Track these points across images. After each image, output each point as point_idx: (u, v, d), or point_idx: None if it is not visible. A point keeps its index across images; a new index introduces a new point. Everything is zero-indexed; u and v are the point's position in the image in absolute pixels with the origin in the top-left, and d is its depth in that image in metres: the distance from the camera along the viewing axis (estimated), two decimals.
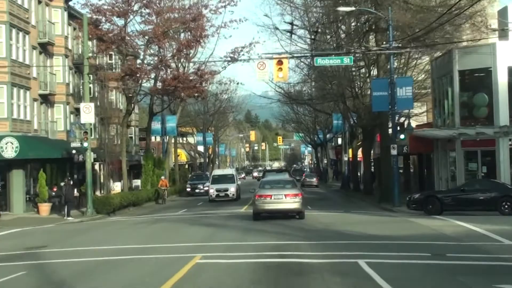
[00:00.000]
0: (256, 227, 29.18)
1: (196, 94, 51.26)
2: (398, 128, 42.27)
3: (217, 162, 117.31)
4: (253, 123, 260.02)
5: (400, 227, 27.88)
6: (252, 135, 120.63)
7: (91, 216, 41.54)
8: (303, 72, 66.11)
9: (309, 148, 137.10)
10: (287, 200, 30.53)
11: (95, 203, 42.71)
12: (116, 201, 44.14)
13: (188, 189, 66.11)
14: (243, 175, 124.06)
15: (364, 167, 56.22)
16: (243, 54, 58.73)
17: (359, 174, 67.04)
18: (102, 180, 60.97)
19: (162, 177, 56.31)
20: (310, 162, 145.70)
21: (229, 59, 59.34)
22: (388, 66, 43.36)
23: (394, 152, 41.56)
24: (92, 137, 58.91)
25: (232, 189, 52.73)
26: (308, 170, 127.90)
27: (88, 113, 41.77)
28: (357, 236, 24.94)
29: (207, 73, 53.45)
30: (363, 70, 54.97)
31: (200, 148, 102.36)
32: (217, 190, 52.96)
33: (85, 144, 41.87)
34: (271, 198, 30.59)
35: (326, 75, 58.12)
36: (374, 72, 50.76)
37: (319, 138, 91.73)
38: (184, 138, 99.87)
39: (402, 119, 48.68)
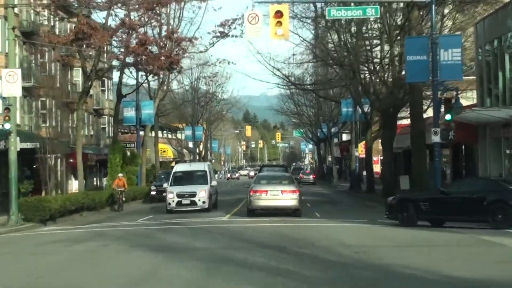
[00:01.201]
0: (236, 256, 16.62)
1: (171, 66, 38.28)
2: (443, 105, 29.59)
3: (210, 160, 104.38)
4: (252, 123, 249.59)
5: (488, 256, 15.33)
6: (248, 130, 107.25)
7: (15, 225, 29.15)
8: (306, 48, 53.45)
9: (310, 146, 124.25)
10: (283, 196, 28.60)
11: (22, 208, 30.06)
12: (54, 205, 31.40)
13: (153, 193, 46.40)
14: (237, 175, 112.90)
15: (384, 162, 43.30)
16: (234, 28, 46.74)
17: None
18: (59, 178, 48.27)
19: (120, 175, 40.46)
20: (310, 161, 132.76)
21: (218, 34, 47.71)
22: (425, 23, 30.74)
23: (436, 138, 28.97)
24: (47, 124, 46.47)
25: (202, 193, 33.66)
26: (309, 169, 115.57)
27: (13, 83, 29.35)
28: (429, 281, 12.30)
29: (185, 39, 40.79)
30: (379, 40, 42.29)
31: (191, 145, 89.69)
32: (179, 195, 33.68)
33: (7, 126, 29.25)
34: (266, 194, 28.64)
35: (336, 52, 45.67)
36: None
37: (323, 132, 78.71)
38: (173, 134, 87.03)
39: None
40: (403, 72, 37.43)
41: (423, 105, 35.38)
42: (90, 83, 40.23)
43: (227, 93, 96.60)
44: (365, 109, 51.01)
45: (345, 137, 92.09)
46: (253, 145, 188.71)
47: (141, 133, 55.06)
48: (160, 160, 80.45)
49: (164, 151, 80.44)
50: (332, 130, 77.43)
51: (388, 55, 40.03)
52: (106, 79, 61.38)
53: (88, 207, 37.16)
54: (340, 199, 47.05)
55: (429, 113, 38.15)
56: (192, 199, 33.80)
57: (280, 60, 49.89)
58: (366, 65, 42.80)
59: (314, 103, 78.99)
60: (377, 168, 68.58)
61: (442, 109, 29.71)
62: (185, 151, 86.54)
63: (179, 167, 38.62)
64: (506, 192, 22.12)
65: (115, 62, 45.21)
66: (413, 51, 29.56)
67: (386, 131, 42.63)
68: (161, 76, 42.94)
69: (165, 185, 37.91)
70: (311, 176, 78.73)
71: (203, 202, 33.87)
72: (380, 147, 70.37)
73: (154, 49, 40.87)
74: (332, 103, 75.75)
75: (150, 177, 60.56)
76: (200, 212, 33.10)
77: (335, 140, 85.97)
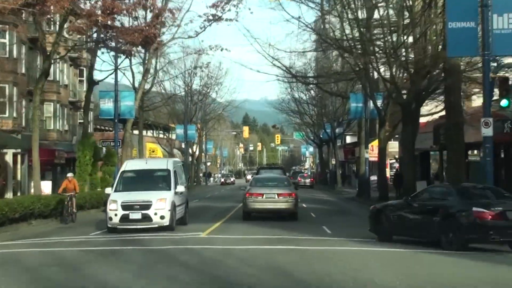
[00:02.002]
0: None
1: (146, 42, 30.36)
2: (496, 88, 21.91)
3: (204, 162, 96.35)
4: (251, 126, 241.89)
5: None
6: (246, 131, 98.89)
7: None
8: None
9: (311, 149, 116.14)
10: (279, 199, 27.15)
11: None
12: None
13: None
14: (232, 179, 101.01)
15: (404, 164, 35.40)
16: (228, 10, 39.63)
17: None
18: (20, 178, 40.45)
19: (69, 175, 29.56)
20: (311, 165, 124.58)
21: (210, 17, 40.36)
22: None
23: (487, 131, 21.29)
24: (7, 115, 38.71)
25: (160, 203, 22.93)
26: (309, 173, 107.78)
27: None
28: None
29: (165, 10, 32.94)
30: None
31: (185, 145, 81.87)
32: (126, 206, 22.90)
33: None
34: (262, 197, 27.26)
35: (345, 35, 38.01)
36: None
37: (326, 133, 70.73)
38: (165, 134, 79.07)
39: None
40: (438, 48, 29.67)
41: (461, 90, 27.59)
42: (49, 63, 32.32)
43: (223, 90, 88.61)
44: (382, 103, 43.19)
45: (349, 139, 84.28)
46: (251, 148, 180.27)
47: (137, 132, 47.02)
48: None
49: (153, 151, 72.72)
50: (337, 130, 69.51)
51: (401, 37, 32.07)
52: (85, 68, 53.50)
53: (42, 214, 29.30)
54: (348, 208, 39.25)
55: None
56: (144, 212, 22.54)
57: (281, 48, 41.90)
58: (382, 47, 34.91)
59: (317, 100, 71.12)
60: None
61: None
62: (176, 151, 78.69)
63: (130, 165, 26.04)
64: (461, 205, 17.14)
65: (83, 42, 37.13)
66: (456, 16, 21.93)
67: (406, 128, 34.76)
68: (134, 52, 34.89)
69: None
70: (308, 180, 77.90)
71: (162, 217, 22.59)
72: (390, 149, 62.50)
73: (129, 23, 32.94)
74: (337, 100, 67.96)
75: None
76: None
77: (338, 143, 78.01)
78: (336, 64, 52.03)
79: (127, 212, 22.77)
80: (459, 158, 26.22)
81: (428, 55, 30.91)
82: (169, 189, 23.81)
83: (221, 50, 45.88)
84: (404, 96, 35.46)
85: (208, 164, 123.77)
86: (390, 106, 43.05)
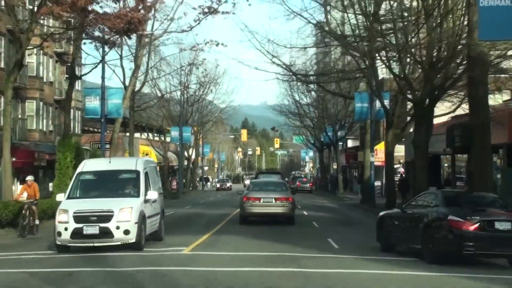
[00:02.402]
0: None
1: (128, 29, 26.62)
2: None
3: (201, 167, 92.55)
4: (251, 131, 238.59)
5: None
6: (244, 134, 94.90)
7: None
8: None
9: (311, 153, 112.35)
10: (276, 204, 26.82)
11: None
12: None
13: None
14: (228, 184, 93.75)
15: (417, 168, 31.53)
16: (225, 1, 36.20)
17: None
18: None
19: (29, 179, 24.44)
20: (311, 170, 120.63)
21: (205, 10, 37.03)
22: None
23: None
24: None
25: (124, 215, 17.62)
26: (309, 178, 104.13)
27: None
28: None
29: None
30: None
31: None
32: (79, 218, 17.54)
33: None
34: (260, 201, 26.92)
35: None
36: None
37: (328, 136, 66.92)
38: (160, 136, 75.25)
39: None
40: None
41: (487, 86, 23.89)
42: (22, 53, 28.60)
43: (221, 92, 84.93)
44: (389, 102, 39.63)
45: (350, 143, 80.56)
46: (250, 152, 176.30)
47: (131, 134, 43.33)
48: None
49: (146, 154, 68.77)
50: (339, 134, 65.75)
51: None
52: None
53: (11, 223, 25.50)
54: (353, 217, 35.55)
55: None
56: (103, 225, 17.25)
57: (281, 44, 38.30)
58: (392, 40, 31.29)
59: (318, 102, 67.41)
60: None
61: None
62: (171, 154, 74.94)
63: (89, 165, 20.39)
64: (440, 213, 15.51)
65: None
66: None
67: (419, 128, 31.04)
68: (118, 42, 31.09)
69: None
70: (308, 185, 77.00)
71: (126, 232, 17.32)
72: (395, 153, 58.96)
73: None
74: (339, 102, 64.32)
75: None
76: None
77: (340, 147, 74.18)
78: (340, 62, 48.30)
79: (80, 225, 17.18)
80: (485, 162, 22.52)
81: (445, 44, 27.32)
82: (137, 196, 18.40)
83: (217, 45, 42.26)
84: (414, 95, 31.72)
85: (206, 168, 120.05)
86: (399, 105, 39.39)
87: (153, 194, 19.17)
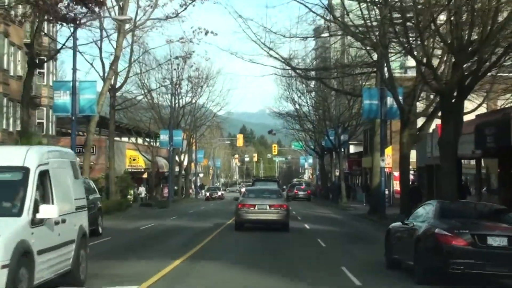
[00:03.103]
0: None
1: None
2: None
3: (194, 173, 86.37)
4: (249, 138, 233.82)
5: None
6: (240, 139, 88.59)
7: None
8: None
9: (310, 160, 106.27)
10: (271, 210, 26.74)
11: None
12: None
13: None
14: (220, 193, 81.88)
15: (444, 174, 25.43)
16: None
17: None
18: None
19: None
20: (311, 177, 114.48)
21: None
22: None
23: None
24: None
25: None
26: (306, 186, 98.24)
27: None
28: None
29: None
30: None
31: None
32: None
33: None
34: (254, 208, 26.83)
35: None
36: None
37: (330, 140, 60.75)
38: (150, 140, 69.21)
39: None
40: None
41: None
42: None
43: (215, 93, 78.88)
44: (407, 98, 33.86)
45: (352, 149, 74.63)
46: (247, 159, 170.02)
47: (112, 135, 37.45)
48: (129, 170, 62.97)
49: (134, 159, 62.97)
50: (342, 137, 59.67)
51: None
52: (45, 58, 43.88)
53: None
54: (365, 231, 29.67)
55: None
56: None
57: (279, 32, 32.34)
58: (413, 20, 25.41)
59: (319, 102, 61.43)
60: (396, 186, 51.35)
61: None
62: (161, 160, 68.89)
63: None
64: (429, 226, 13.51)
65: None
66: None
67: (446, 125, 25.10)
68: (80, 20, 24.92)
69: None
70: (306, 192, 74.49)
71: None
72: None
73: None
74: (342, 102, 58.46)
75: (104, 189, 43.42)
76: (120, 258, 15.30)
77: (343, 151, 68.03)
78: (344, 55, 42.48)
79: None
80: None
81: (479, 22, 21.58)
82: (18, 214, 10.42)
83: (206, 33, 36.68)
84: (440, 84, 25.84)
85: (201, 175, 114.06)
86: (416, 101, 33.61)
87: (51, 210, 10.79)
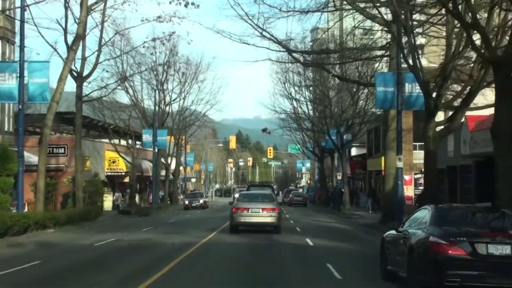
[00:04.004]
0: None
1: None
2: None
3: (184, 178, 78.95)
4: (244, 144, 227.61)
5: None
6: (233, 141, 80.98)
7: None
8: None
9: (308, 165, 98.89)
10: (264, 214, 27.48)
11: None
12: None
13: None
14: (202, 201, 62.82)
15: (499, 171, 18.36)
16: None
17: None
18: None
19: None
20: (309, 182, 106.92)
21: None
22: None
23: None
24: None
25: None
26: (302, 191, 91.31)
27: None
28: None
29: None
30: None
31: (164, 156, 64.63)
32: None
33: None
34: (248, 211, 27.43)
35: None
36: None
37: (331, 140, 53.29)
38: (133, 141, 61.93)
39: None
40: None
41: None
42: None
43: (204, 91, 71.74)
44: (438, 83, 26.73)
45: (354, 151, 67.38)
46: (241, 163, 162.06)
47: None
48: (108, 173, 55.79)
49: (113, 162, 55.72)
50: (345, 137, 52.30)
51: None
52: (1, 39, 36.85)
53: None
54: None
55: None
56: None
57: (275, 4, 25.54)
58: None
59: (319, 97, 54.25)
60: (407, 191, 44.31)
61: None
62: (146, 162, 61.52)
63: None
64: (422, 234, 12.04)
65: None
66: None
67: (503, 107, 17.98)
68: None
69: None
70: (301, 198, 71.86)
71: None
72: (415, 160, 46.70)
73: None
74: (344, 99, 51.37)
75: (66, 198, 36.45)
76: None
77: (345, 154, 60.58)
78: (352, 36, 35.39)
79: None
80: None
81: None
82: None
83: (186, 5, 29.45)
84: (492, 52, 18.73)
85: (193, 180, 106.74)
86: (446, 85, 26.51)
87: None
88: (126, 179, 57.22)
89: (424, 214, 13.02)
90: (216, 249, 21.45)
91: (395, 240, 13.68)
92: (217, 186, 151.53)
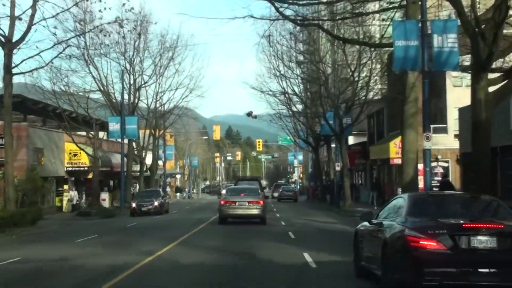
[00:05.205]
0: None
1: None
2: None
3: (164, 173, 69.79)
4: (235, 140, 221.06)
5: None
6: (217, 131, 72.34)
7: None
8: None
9: (300, 157, 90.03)
10: (249, 206, 28.80)
11: None
12: None
13: None
14: (156, 203, 40.24)
15: None
16: None
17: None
18: None
19: None
20: (301, 175, 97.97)
21: None
22: None
23: None
24: None
25: None
26: (293, 186, 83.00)
27: None
28: None
29: None
30: None
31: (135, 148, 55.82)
32: None
33: None
34: (235, 204, 28.82)
35: None
36: None
37: (329, 125, 44.32)
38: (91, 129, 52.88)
39: None
40: None
41: None
42: None
43: (183, 74, 62.92)
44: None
45: (351, 140, 58.65)
46: (229, 157, 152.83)
47: None
48: (69, 169, 47.05)
49: (75, 155, 46.93)
50: (344, 121, 43.52)
51: None
52: None
53: None
54: None
55: None
56: None
57: None
58: None
59: (313, 75, 45.52)
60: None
61: None
62: (117, 156, 52.55)
63: None
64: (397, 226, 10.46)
65: None
66: None
67: None
68: None
69: None
70: (291, 193, 67.11)
71: None
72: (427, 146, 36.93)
73: None
74: (342, 78, 42.75)
75: None
76: None
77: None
78: None
79: None
80: None
81: None
82: None
83: None
84: None
85: (178, 176, 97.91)
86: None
87: None
88: (90, 175, 48.39)
89: (400, 203, 11.35)
90: (157, 276, 12.96)
91: (368, 233, 12.14)
92: (207, 182, 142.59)
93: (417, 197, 11.79)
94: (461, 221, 10.01)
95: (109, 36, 32.03)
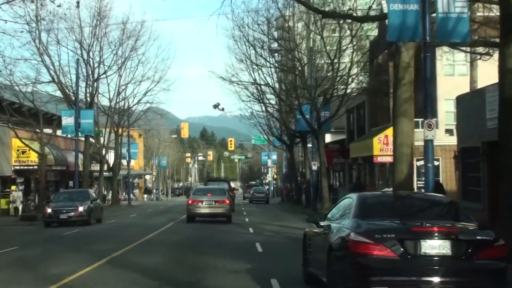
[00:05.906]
0: None
1: None
2: None
3: (128, 173, 64.23)
4: (209, 141, 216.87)
5: None
6: (185, 129, 67.38)
7: None
8: None
9: (274, 157, 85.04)
10: (216, 205, 29.92)
11: None
12: None
13: None
14: (81, 208, 29.03)
15: None
16: None
17: None
18: None
19: None
20: (275, 176, 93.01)
21: None
22: None
23: None
24: None
25: None
26: (266, 188, 78.15)
27: None
28: None
29: None
30: None
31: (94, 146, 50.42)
32: None
33: None
34: (202, 203, 29.84)
35: None
36: None
37: (304, 119, 39.37)
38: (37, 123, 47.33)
39: None
40: None
41: None
42: None
43: (148, 64, 57.59)
44: None
45: (329, 138, 53.84)
46: (200, 157, 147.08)
47: None
48: (17, 167, 41.69)
49: (23, 153, 41.53)
50: (322, 115, 38.68)
51: None
52: None
53: None
54: None
55: None
56: None
57: None
58: None
59: (288, 63, 40.60)
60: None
61: None
62: (71, 154, 47.21)
63: None
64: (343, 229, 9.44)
65: None
66: None
67: None
68: None
69: None
70: (263, 194, 65.99)
71: None
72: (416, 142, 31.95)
73: None
74: (320, 65, 37.92)
75: None
76: None
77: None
78: None
79: None
80: None
81: None
82: None
83: None
84: None
85: (147, 177, 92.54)
86: None
87: None
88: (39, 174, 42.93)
89: (348, 204, 10.35)
90: None
91: (315, 236, 11.16)
92: (180, 183, 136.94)
93: (367, 197, 10.67)
94: (412, 224, 9.14)
95: (59, 6, 26.47)
